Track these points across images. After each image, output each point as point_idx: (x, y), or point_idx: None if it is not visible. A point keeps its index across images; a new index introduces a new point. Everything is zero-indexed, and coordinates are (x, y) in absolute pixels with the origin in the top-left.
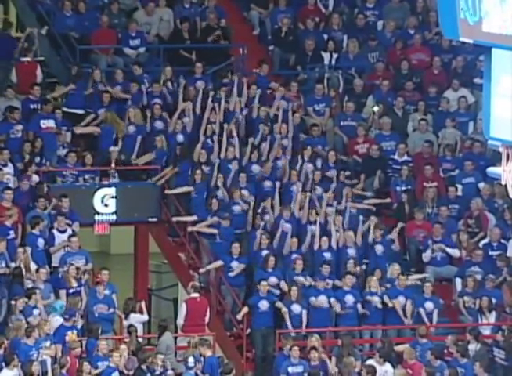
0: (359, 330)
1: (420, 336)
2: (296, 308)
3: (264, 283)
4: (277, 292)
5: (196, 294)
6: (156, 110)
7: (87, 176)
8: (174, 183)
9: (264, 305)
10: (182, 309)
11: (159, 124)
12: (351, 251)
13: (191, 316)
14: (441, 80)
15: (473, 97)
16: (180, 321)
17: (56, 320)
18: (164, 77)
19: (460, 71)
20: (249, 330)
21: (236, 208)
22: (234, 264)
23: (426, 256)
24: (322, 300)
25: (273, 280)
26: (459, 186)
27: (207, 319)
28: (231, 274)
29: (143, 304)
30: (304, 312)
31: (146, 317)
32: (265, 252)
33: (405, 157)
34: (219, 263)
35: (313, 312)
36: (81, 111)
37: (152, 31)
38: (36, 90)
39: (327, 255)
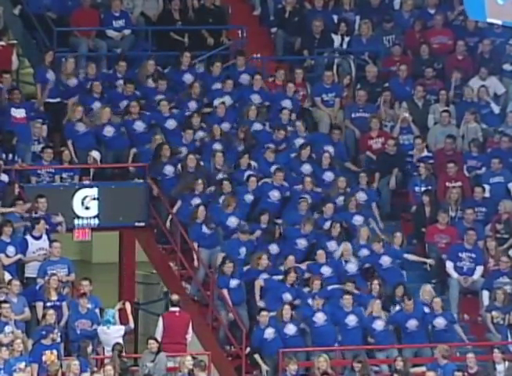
0: (372, 348)
1: (443, 357)
2: (290, 328)
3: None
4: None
5: (176, 308)
6: (133, 108)
7: (65, 175)
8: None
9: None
10: (159, 325)
11: (139, 125)
12: (351, 266)
13: (168, 333)
14: (466, 66)
15: (503, 87)
16: (156, 338)
17: (116, 331)
18: (145, 72)
19: (487, 57)
20: (248, 350)
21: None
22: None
23: (450, 266)
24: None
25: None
26: (487, 187)
27: (189, 337)
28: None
29: (128, 305)
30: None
31: (127, 327)
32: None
33: (425, 154)
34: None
35: (315, 333)
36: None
37: (136, 9)
38: (5, 78)
39: (326, 270)
